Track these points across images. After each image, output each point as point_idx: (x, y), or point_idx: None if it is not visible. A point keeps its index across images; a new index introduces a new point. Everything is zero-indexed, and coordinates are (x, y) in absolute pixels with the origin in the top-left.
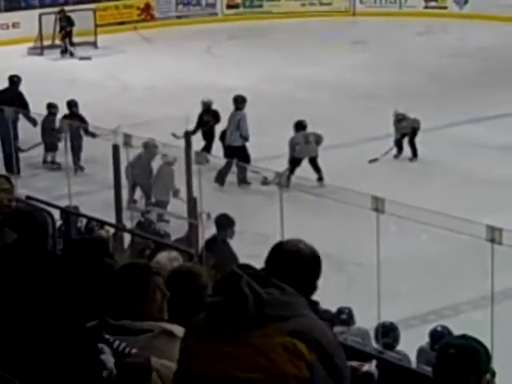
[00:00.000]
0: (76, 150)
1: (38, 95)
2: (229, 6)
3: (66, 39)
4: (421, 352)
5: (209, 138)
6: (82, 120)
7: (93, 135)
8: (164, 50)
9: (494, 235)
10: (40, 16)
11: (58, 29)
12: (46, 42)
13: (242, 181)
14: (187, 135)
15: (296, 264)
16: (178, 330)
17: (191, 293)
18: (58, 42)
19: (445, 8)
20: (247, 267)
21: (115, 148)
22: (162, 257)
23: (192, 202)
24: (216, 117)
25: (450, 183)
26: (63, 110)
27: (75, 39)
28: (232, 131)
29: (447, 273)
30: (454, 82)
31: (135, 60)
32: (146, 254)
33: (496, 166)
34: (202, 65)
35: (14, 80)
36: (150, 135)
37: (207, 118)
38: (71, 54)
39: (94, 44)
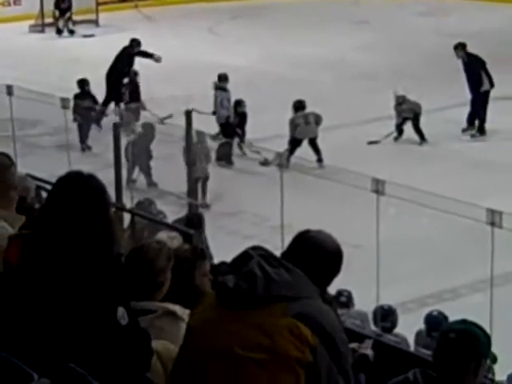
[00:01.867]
0: (85, 129)
1: (41, 73)
2: None
3: (60, 19)
4: (419, 335)
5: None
6: (94, 99)
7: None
8: (165, 29)
9: (494, 218)
10: None
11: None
12: (48, 20)
13: (228, 160)
14: (188, 114)
15: (318, 257)
16: (182, 311)
17: (190, 272)
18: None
19: None
20: (259, 248)
21: (116, 126)
22: (162, 236)
23: (192, 182)
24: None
25: (450, 166)
26: (70, 88)
27: (76, 17)
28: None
29: (447, 256)
30: (455, 64)
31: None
32: (145, 235)
33: (497, 149)
34: (203, 44)
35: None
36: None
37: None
38: (71, 32)
39: (96, 22)
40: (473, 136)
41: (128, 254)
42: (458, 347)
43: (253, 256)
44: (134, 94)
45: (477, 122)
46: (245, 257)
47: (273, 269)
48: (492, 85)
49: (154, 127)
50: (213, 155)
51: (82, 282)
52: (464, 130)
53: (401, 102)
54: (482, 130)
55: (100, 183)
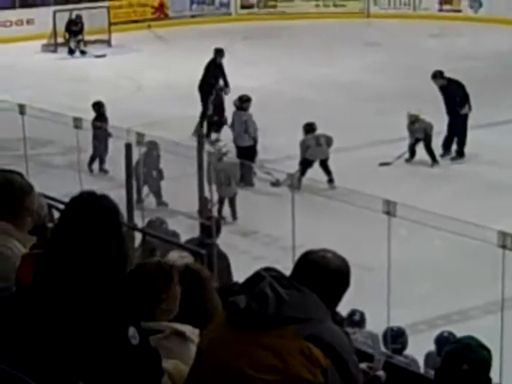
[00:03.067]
0: (102, 152)
1: (51, 93)
2: (243, 7)
3: (71, 40)
4: (429, 357)
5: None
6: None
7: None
8: (178, 49)
9: (505, 241)
10: (54, 13)
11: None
12: (60, 40)
13: (248, 182)
14: (199, 135)
15: (324, 276)
16: (191, 331)
17: (198, 291)
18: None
19: (459, 11)
20: (271, 269)
21: (128, 147)
22: (173, 255)
23: (203, 202)
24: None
25: (462, 188)
26: (80, 108)
27: (89, 37)
28: (240, 132)
29: (457, 278)
30: (467, 86)
31: (149, 59)
32: (156, 254)
33: (509, 171)
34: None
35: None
36: (165, 135)
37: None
38: (83, 53)
39: (108, 42)
40: (453, 159)
41: (128, 273)
42: (472, 378)
43: (265, 277)
44: (219, 108)
45: (455, 146)
46: (257, 277)
47: (284, 290)
48: (470, 108)
49: (158, 145)
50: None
51: (95, 301)
52: (442, 155)
53: (413, 120)
54: (461, 153)
55: (113, 203)
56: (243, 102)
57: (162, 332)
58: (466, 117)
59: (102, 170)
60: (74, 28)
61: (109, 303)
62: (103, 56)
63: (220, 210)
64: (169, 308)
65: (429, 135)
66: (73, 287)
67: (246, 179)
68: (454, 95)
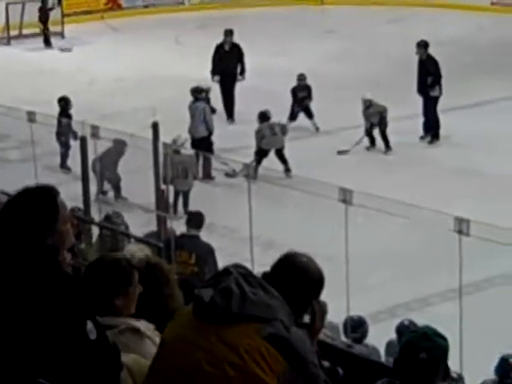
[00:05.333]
0: (64, 148)
1: (4, 86)
2: None
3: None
4: (389, 345)
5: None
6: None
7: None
8: (131, 40)
9: (461, 226)
10: (7, 5)
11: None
12: (13, 32)
13: (207, 175)
14: (155, 126)
15: (302, 282)
16: (146, 327)
17: (157, 287)
18: (24, 32)
19: None
20: (239, 266)
21: (83, 140)
22: (131, 247)
23: (159, 194)
24: (310, 92)
25: (420, 173)
26: (33, 103)
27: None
28: (197, 123)
29: (416, 265)
30: None
31: (103, 50)
32: (118, 248)
33: (465, 156)
34: (170, 55)
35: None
36: (118, 127)
37: (302, 94)
38: (48, 44)
39: (61, 34)
40: (430, 142)
41: (85, 268)
42: (431, 366)
43: (232, 273)
44: None
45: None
46: (224, 273)
47: (251, 288)
48: (440, 91)
49: (125, 144)
50: None
51: (47, 294)
52: (422, 138)
53: (368, 105)
54: (436, 136)
55: (52, 188)
56: (199, 93)
57: (116, 327)
58: (436, 99)
59: (66, 167)
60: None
61: (64, 296)
62: (69, 50)
63: (175, 203)
64: (125, 304)
65: (384, 118)
66: (19, 280)
67: (205, 172)
68: (427, 73)
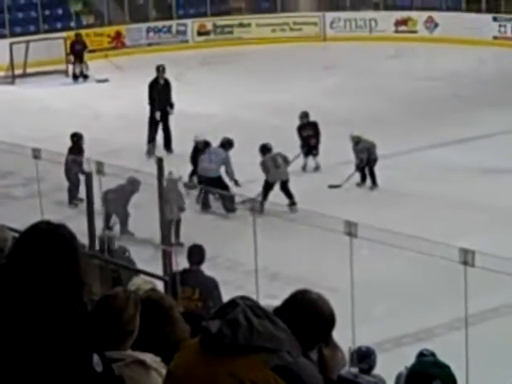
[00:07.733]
0: (75, 184)
1: (9, 124)
2: (199, 33)
3: (79, 63)
4: (400, 378)
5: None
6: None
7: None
8: (135, 78)
9: (466, 258)
10: (11, 45)
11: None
12: (17, 71)
13: (231, 210)
14: (159, 162)
15: (312, 320)
16: (152, 359)
17: (160, 323)
18: (29, 70)
19: (415, 32)
20: (246, 298)
21: (88, 176)
22: (137, 281)
23: (165, 229)
24: (316, 128)
25: (422, 207)
26: (38, 140)
27: (48, 68)
28: (213, 163)
29: (421, 296)
30: (424, 106)
31: (107, 88)
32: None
33: (467, 189)
34: (173, 92)
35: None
36: (122, 163)
37: (307, 132)
38: (85, 77)
39: (66, 72)
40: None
41: (96, 304)
42: None
43: (239, 304)
44: None
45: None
46: (231, 304)
47: (258, 319)
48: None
49: (139, 183)
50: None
51: (56, 328)
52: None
53: (357, 141)
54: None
55: (69, 230)
56: (226, 145)
57: (122, 360)
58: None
59: (76, 200)
60: (78, 47)
61: (72, 330)
62: (106, 81)
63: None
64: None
65: (372, 154)
66: (30, 314)
67: (230, 208)
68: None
